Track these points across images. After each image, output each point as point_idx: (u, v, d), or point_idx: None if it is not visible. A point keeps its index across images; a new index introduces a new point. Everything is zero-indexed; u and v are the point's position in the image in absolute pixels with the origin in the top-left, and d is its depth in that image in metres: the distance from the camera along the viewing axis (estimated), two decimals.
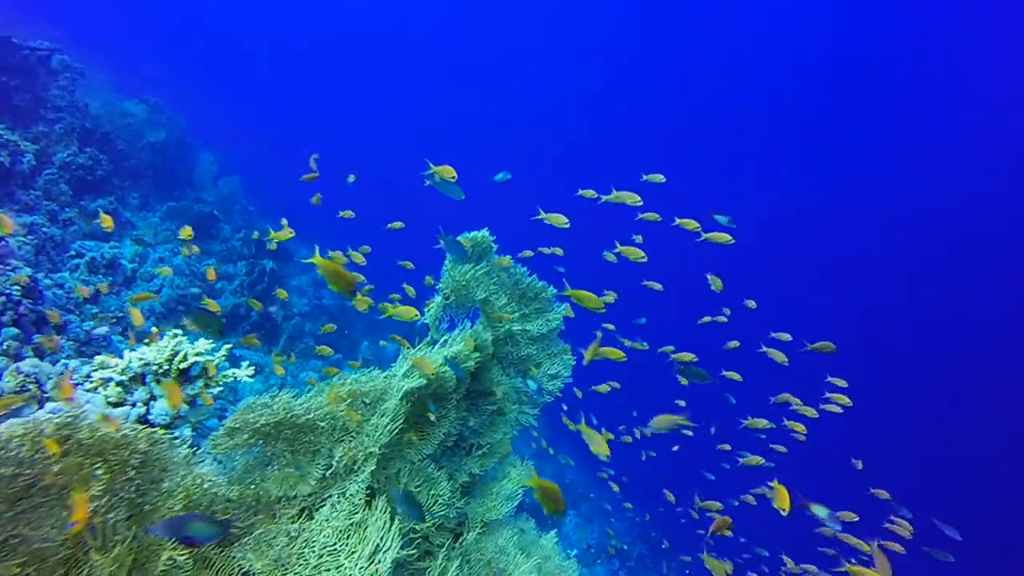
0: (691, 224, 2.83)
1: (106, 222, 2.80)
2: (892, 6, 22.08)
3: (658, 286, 3.70)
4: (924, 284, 25.18)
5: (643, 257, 2.20)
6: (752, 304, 3.63)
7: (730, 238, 2.77)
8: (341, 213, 4.71)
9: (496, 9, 30.73)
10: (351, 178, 3.81)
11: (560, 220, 2.43)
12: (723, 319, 3.95)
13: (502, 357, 2.49)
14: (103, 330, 6.13)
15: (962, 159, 24.09)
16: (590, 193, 2.85)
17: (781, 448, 3.68)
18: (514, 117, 32.45)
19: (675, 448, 5.07)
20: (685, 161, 29.72)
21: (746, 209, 27.20)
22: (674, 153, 30.33)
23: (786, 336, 3.48)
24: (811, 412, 3.26)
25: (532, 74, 32.82)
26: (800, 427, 3.29)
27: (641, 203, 2.54)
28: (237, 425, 1.63)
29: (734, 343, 4.00)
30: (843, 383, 3.50)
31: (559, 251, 3.53)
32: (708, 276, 3.79)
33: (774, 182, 28.51)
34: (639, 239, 4.42)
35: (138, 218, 8.85)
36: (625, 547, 12.11)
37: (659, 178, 3.10)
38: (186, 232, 3.39)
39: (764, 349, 3.45)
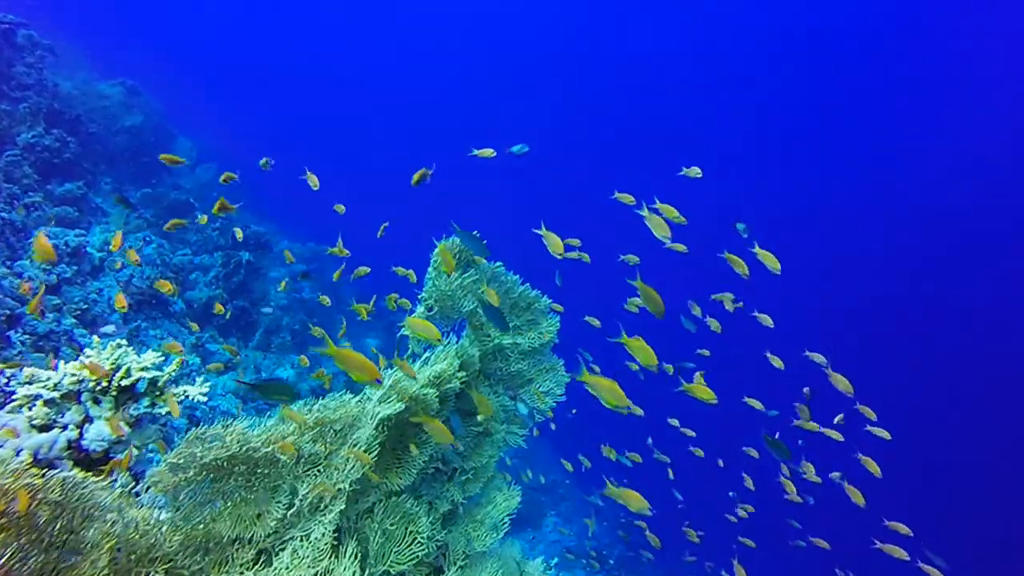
0: (741, 266, 2.59)
1: (44, 252, 2.28)
2: (893, 6, 22.15)
3: (697, 310, 3.45)
4: (924, 284, 25.30)
5: (660, 311, 1.97)
6: (767, 321, 3.38)
7: (778, 265, 2.54)
8: (335, 207, 4.37)
9: (491, 7, 30.39)
10: (314, 182, 3.49)
11: (556, 244, 2.20)
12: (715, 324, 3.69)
13: (490, 373, 2.27)
14: (110, 328, 5.78)
15: (962, 159, 24.28)
16: (627, 199, 2.62)
17: (816, 479, 3.46)
18: (513, 117, 32.04)
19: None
20: (685, 161, 29.54)
21: (745, 208, 27.30)
22: (673, 153, 30.17)
23: (820, 358, 3.23)
24: (875, 469, 2.99)
25: (530, 74, 32.47)
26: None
27: (669, 239, 2.29)
28: (181, 461, 1.39)
29: (777, 360, 3.72)
30: (873, 415, 3.28)
31: (583, 255, 3.24)
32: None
33: (773, 182, 28.54)
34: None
35: (109, 204, 8.48)
36: (605, 552, 12.07)
37: (696, 172, 2.87)
38: (132, 257, 3.15)
39: (798, 423, 3.17)
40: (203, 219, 3.36)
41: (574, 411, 5.96)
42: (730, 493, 5.36)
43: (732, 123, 29.33)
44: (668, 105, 30.24)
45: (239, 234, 3.80)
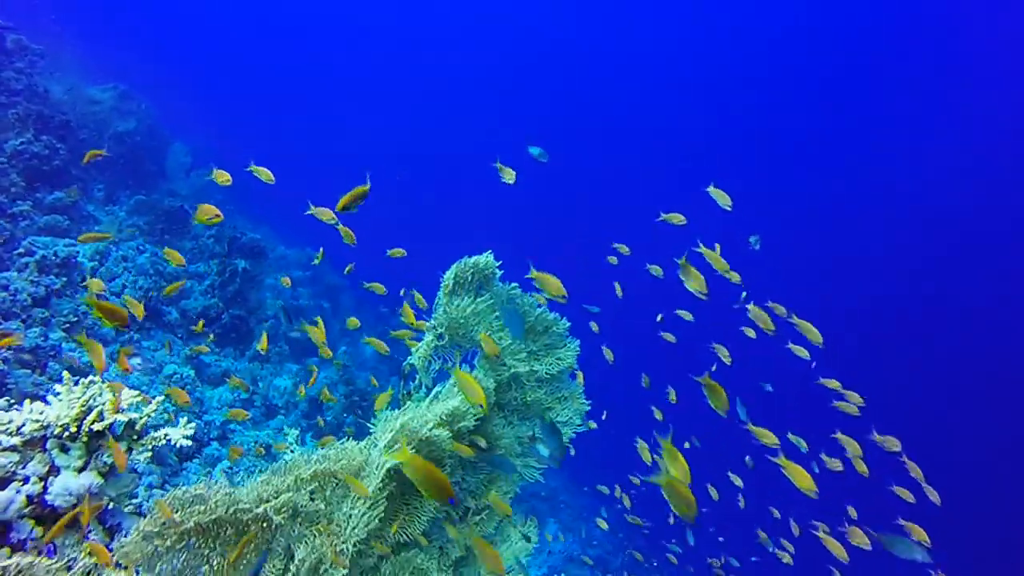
0: (765, 320, 2.41)
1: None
2: (893, 6, 22.10)
3: (724, 353, 3.23)
4: (924, 284, 25.22)
5: (725, 408, 1.78)
6: (803, 353, 3.17)
7: (819, 339, 2.41)
8: (341, 234, 3.95)
9: (490, 7, 30.24)
10: (328, 216, 2.95)
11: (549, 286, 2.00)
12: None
13: (504, 404, 2.08)
14: (137, 361, 5.52)
15: (962, 159, 24.24)
16: (678, 218, 2.45)
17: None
18: (516, 118, 31.78)
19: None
20: (684, 160, 29.50)
21: (745, 208, 27.07)
22: (673, 152, 30.06)
23: (852, 397, 3.00)
24: (924, 537, 2.74)
25: (532, 75, 32.25)
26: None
27: (706, 295, 2.10)
28: (157, 529, 1.20)
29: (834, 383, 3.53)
30: (896, 445, 3.04)
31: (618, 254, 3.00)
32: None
33: (773, 181, 28.40)
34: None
35: (102, 212, 8.30)
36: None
37: (725, 198, 2.66)
38: (137, 309, 2.72)
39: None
40: (175, 258, 2.96)
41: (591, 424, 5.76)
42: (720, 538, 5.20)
43: (732, 123, 29.23)
44: (668, 105, 30.11)
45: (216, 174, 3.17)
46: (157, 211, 8.56)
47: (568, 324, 2.13)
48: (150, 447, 1.54)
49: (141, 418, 1.54)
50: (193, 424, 1.67)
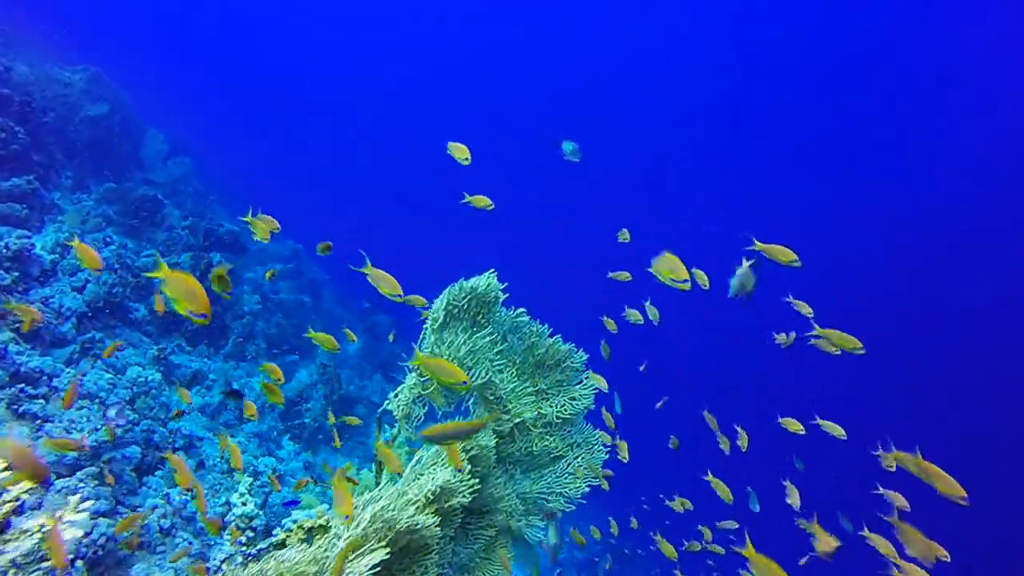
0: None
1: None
2: (892, 5, 21.97)
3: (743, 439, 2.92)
4: (924, 284, 25.23)
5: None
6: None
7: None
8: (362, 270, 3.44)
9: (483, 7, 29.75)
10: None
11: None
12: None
13: (506, 456, 1.68)
14: (113, 412, 5.05)
15: (962, 159, 24.27)
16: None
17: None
18: (510, 119, 31.26)
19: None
20: (684, 161, 29.24)
21: (745, 208, 27.08)
22: (673, 153, 29.79)
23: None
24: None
25: (527, 76, 31.78)
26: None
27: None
28: None
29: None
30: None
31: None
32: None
33: (773, 182, 28.26)
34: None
35: (67, 200, 7.78)
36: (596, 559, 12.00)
37: (793, 260, 2.38)
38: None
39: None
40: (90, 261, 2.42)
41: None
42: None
43: (731, 123, 29.06)
44: (667, 104, 29.83)
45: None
46: (128, 200, 8.07)
47: (586, 356, 1.71)
48: (18, 541, 1.11)
49: (2, 506, 1.10)
50: (90, 502, 1.25)
